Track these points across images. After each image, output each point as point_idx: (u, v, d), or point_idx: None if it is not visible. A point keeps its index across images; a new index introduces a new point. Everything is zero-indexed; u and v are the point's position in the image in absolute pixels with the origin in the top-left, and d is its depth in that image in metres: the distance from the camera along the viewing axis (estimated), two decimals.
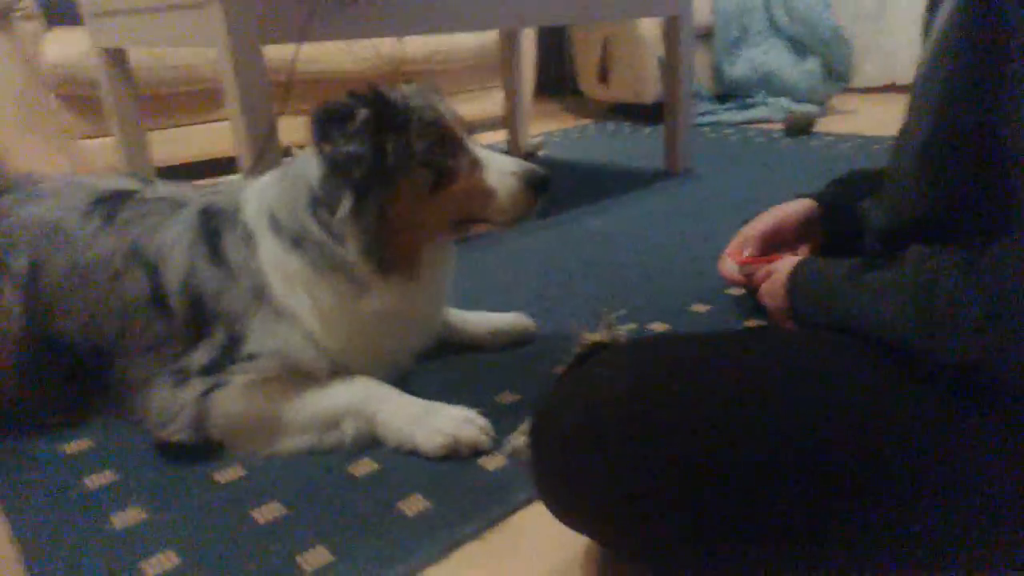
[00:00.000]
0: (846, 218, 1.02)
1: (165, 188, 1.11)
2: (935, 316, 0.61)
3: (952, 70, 0.68)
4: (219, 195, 1.07)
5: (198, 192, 1.10)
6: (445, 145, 0.96)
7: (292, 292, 0.98)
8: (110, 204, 1.06)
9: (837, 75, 3.43)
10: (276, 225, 0.99)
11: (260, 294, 0.98)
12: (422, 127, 0.95)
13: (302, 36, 1.40)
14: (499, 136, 3.16)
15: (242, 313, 0.98)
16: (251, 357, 0.96)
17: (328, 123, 0.92)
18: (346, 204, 0.93)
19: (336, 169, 0.92)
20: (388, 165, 0.93)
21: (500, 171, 0.98)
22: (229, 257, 1.00)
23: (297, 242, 0.97)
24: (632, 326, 1.29)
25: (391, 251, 0.96)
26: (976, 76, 0.65)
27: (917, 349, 0.64)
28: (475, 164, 0.98)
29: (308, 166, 0.98)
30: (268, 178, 1.06)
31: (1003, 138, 0.63)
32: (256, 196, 1.03)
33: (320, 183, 0.96)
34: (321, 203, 0.96)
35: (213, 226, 1.02)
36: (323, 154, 0.92)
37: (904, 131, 0.79)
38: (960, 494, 0.61)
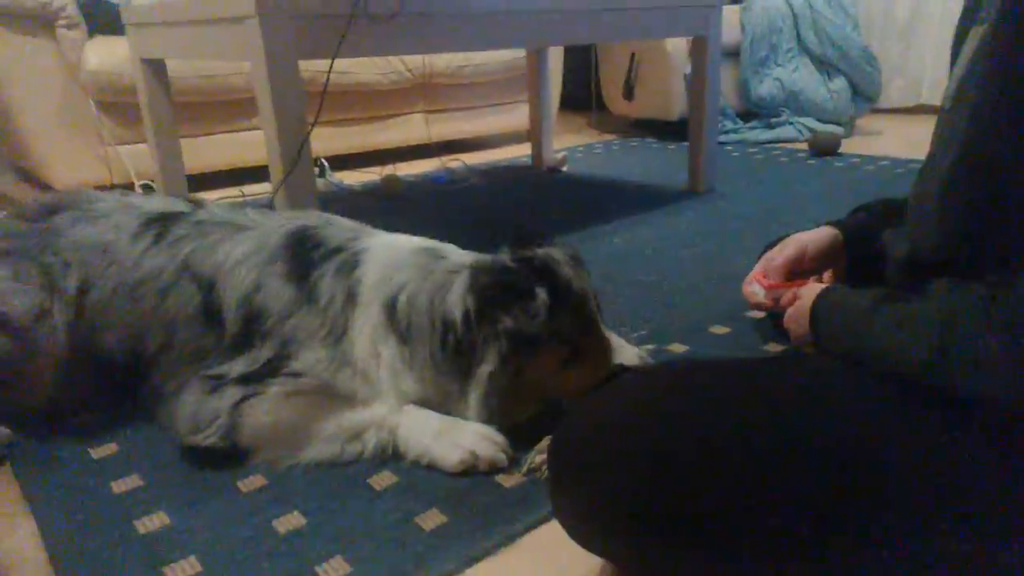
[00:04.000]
0: (869, 247, 1.02)
1: (221, 211, 1.12)
2: (953, 352, 0.61)
3: (979, 102, 0.67)
4: (319, 227, 1.07)
5: (268, 216, 1.11)
6: (587, 326, 0.98)
7: (373, 361, 0.99)
8: (159, 225, 1.09)
9: (865, 96, 3.41)
10: (393, 313, 0.98)
11: (335, 337, 0.99)
12: (575, 309, 0.96)
13: (336, 52, 1.43)
14: (524, 150, 3.18)
15: (303, 340, 0.98)
16: (295, 375, 0.97)
17: (509, 300, 0.92)
18: (489, 364, 0.94)
19: (500, 342, 0.92)
20: (538, 339, 0.93)
21: (627, 358, 0.99)
22: (319, 289, 1.00)
23: (405, 338, 0.98)
24: (651, 346, 1.29)
25: (507, 408, 0.96)
26: (1003, 108, 0.65)
27: (934, 383, 0.64)
28: (606, 348, 0.99)
29: (453, 289, 0.96)
30: (403, 256, 1.02)
31: None
32: (382, 267, 1.01)
33: (463, 322, 0.94)
34: (453, 332, 0.95)
35: (309, 254, 1.02)
36: (502, 329, 0.92)
37: (928, 162, 0.79)
38: (961, 513, 0.61)
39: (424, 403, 1.00)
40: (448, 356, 0.96)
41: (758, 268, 1.20)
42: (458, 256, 1.04)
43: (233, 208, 1.15)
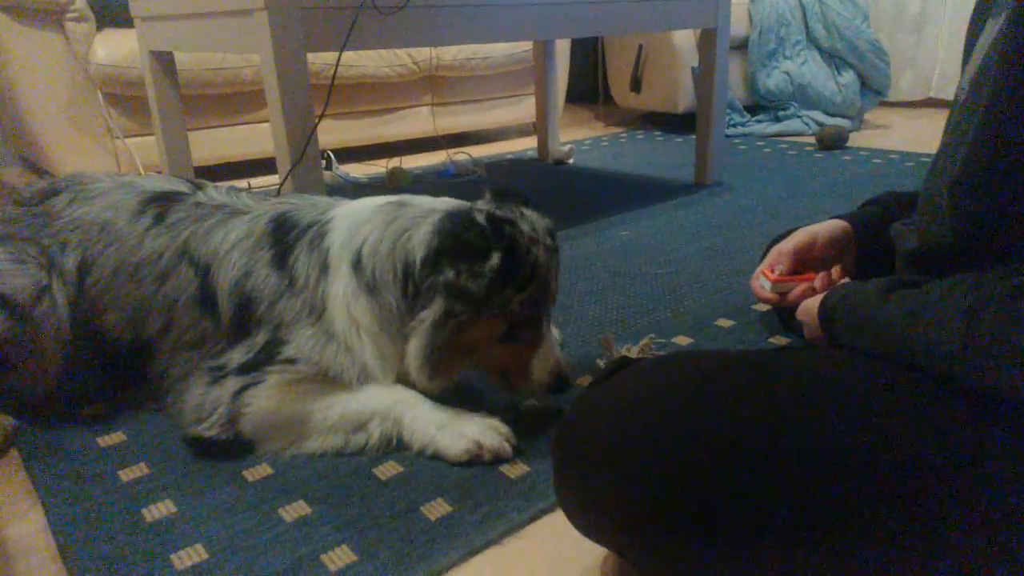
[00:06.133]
0: (879, 239, 1.01)
1: (220, 195, 1.13)
2: (978, 345, 0.61)
3: (993, 95, 0.66)
4: (297, 209, 1.07)
5: (260, 201, 1.11)
6: (534, 313, 0.97)
7: (352, 329, 0.99)
8: (159, 205, 1.10)
9: (874, 89, 3.38)
10: (358, 265, 0.98)
11: (316, 314, 0.99)
12: (533, 292, 0.95)
13: (344, 45, 1.43)
14: (530, 143, 3.17)
15: (291, 323, 0.99)
16: (291, 361, 0.98)
17: (460, 254, 0.92)
18: (430, 313, 0.93)
19: (446, 295, 0.92)
20: (484, 304, 0.93)
21: (544, 362, 0.99)
22: (296, 270, 1.00)
23: (372, 289, 0.98)
24: (653, 336, 1.29)
25: (440, 363, 0.96)
26: (1018, 101, 0.64)
27: (957, 376, 0.64)
28: (537, 343, 0.99)
29: (417, 232, 0.96)
30: (368, 211, 1.03)
31: None
32: (348, 227, 1.02)
33: (420, 265, 0.94)
34: (412, 278, 0.95)
35: (287, 237, 1.03)
36: (444, 280, 0.92)
37: (940, 157, 0.78)
38: (976, 506, 0.61)
39: (404, 371, 1.00)
40: (408, 304, 0.96)
41: (767, 261, 1.19)
42: (427, 203, 1.02)
43: (231, 192, 1.14)
